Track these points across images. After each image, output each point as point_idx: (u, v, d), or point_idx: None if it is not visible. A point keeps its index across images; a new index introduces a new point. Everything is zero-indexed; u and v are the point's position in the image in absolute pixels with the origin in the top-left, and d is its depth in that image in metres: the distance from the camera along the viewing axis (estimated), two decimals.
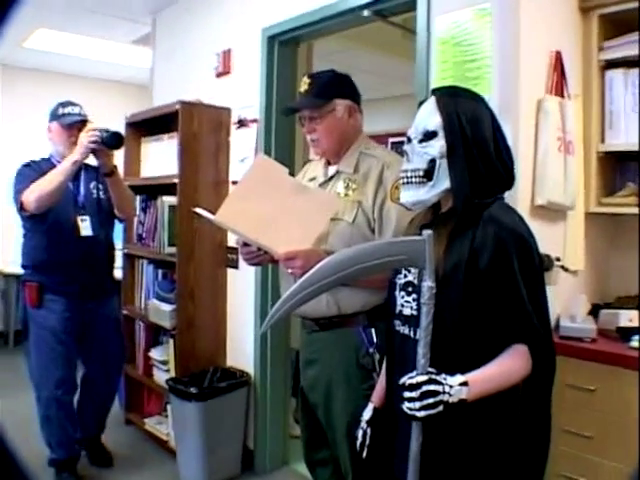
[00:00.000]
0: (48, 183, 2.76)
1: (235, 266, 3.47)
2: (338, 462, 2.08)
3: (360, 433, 1.71)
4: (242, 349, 3.44)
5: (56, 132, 3.03)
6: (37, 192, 2.76)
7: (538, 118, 2.31)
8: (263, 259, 2.06)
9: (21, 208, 2.86)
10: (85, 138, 2.77)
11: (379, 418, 1.69)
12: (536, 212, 2.29)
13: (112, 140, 2.81)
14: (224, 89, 3.59)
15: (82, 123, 2.98)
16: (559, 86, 2.38)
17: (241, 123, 3.39)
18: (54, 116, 3.04)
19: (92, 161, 2.98)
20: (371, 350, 1.97)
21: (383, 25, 3.04)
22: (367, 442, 1.68)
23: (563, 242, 2.45)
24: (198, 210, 2.03)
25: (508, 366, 1.35)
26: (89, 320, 3.07)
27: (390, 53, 4.73)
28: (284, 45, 3.27)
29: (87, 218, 2.99)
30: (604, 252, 2.72)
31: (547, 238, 2.13)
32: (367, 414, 1.72)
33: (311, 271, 1.31)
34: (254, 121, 3.30)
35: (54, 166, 2.90)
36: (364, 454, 1.69)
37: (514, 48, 2.24)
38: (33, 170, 2.93)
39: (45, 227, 2.91)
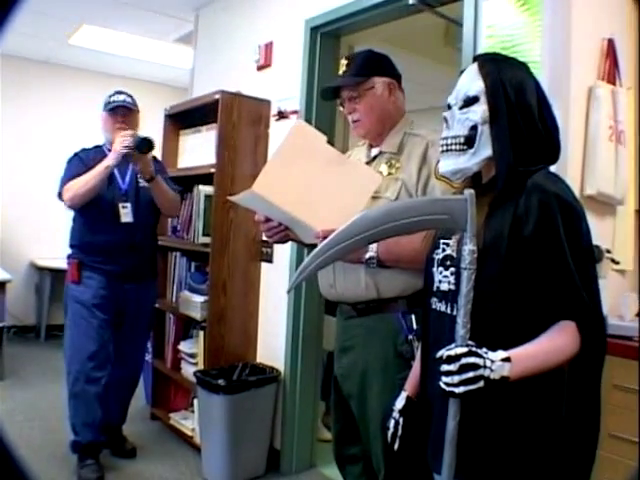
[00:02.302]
0: (83, 184, 2.90)
1: (269, 260, 3.41)
2: (369, 459, 1.98)
3: (392, 423, 1.60)
4: (273, 345, 3.37)
5: (104, 120, 3.13)
6: (72, 192, 2.91)
7: (589, 105, 2.22)
8: (286, 234, 1.99)
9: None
10: (118, 144, 2.88)
11: (412, 408, 1.58)
12: (585, 204, 2.14)
13: (142, 145, 2.90)
14: (264, 82, 3.57)
15: (129, 111, 3.08)
16: (611, 74, 2.29)
17: (281, 115, 3.36)
18: (104, 105, 3.13)
19: None
20: (410, 337, 1.86)
21: (426, 28, 2.94)
22: (399, 433, 1.57)
23: (612, 238, 2.32)
24: (232, 198, 1.96)
25: (554, 344, 1.24)
26: (125, 302, 3.08)
27: (432, 61, 4.65)
28: (326, 37, 3.25)
29: (128, 205, 3.04)
30: None
31: (596, 231, 2.02)
32: (399, 403, 1.61)
33: (346, 224, 1.22)
34: (294, 112, 3.26)
35: (104, 154, 2.99)
36: (396, 445, 1.58)
37: (564, 33, 2.16)
38: (80, 160, 3.04)
39: (89, 212, 3.01)
